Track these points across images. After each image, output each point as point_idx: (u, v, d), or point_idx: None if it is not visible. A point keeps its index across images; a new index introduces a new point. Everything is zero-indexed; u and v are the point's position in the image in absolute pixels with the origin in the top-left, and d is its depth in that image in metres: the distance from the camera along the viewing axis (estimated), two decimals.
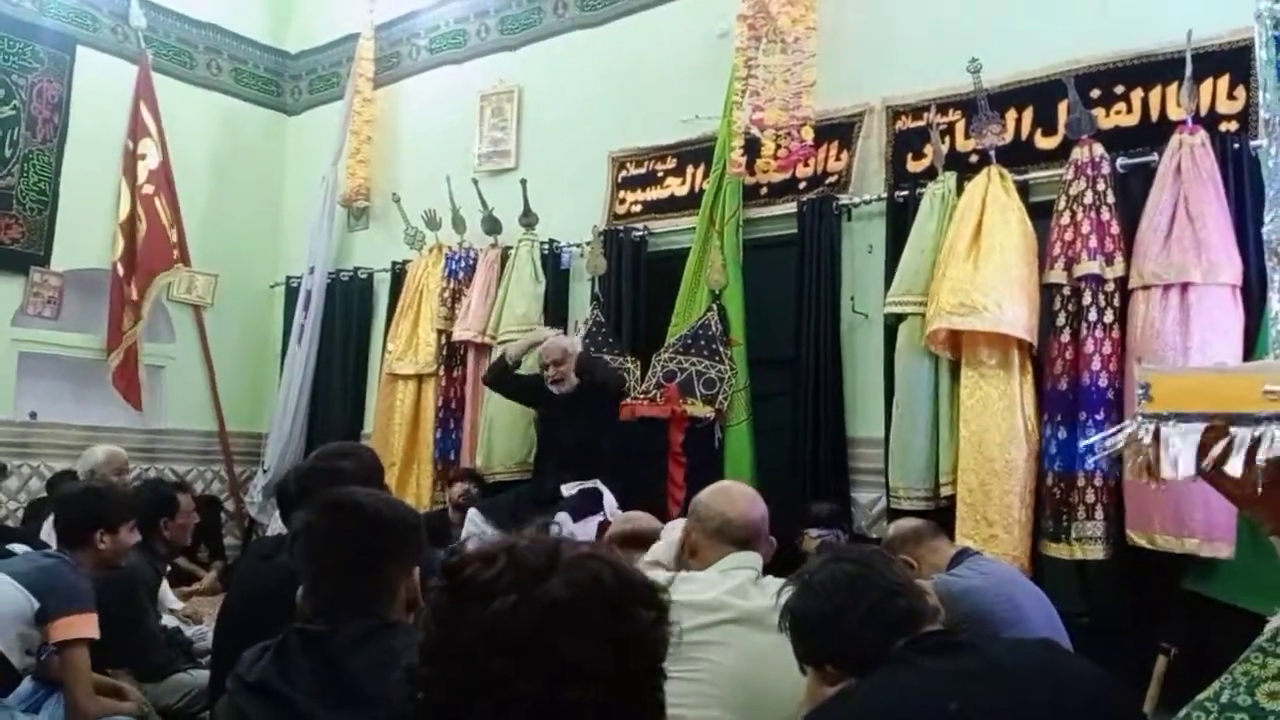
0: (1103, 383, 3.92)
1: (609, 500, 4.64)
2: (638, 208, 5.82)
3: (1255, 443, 1.62)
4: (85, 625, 2.85)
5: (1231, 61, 3.90)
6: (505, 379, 5.27)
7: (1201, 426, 1.69)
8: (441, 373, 6.26)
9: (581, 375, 4.92)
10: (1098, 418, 3.89)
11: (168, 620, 4.26)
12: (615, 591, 1.02)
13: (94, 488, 3.54)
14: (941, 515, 4.07)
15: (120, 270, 6.76)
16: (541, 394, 5.07)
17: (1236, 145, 3.84)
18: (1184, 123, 3.94)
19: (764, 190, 5.26)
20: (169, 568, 4.48)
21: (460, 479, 5.66)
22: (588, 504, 4.59)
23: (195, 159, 7.27)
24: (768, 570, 2.37)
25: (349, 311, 7.17)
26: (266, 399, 7.54)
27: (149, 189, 6.84)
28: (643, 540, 2.93)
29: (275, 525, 5.59)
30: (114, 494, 3.41)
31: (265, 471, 7.06)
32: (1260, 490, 1.58)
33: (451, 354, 6.25)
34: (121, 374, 6.74)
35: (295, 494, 2.58)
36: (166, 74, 7.18)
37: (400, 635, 1.70)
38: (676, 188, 5.67)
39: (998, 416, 4.09)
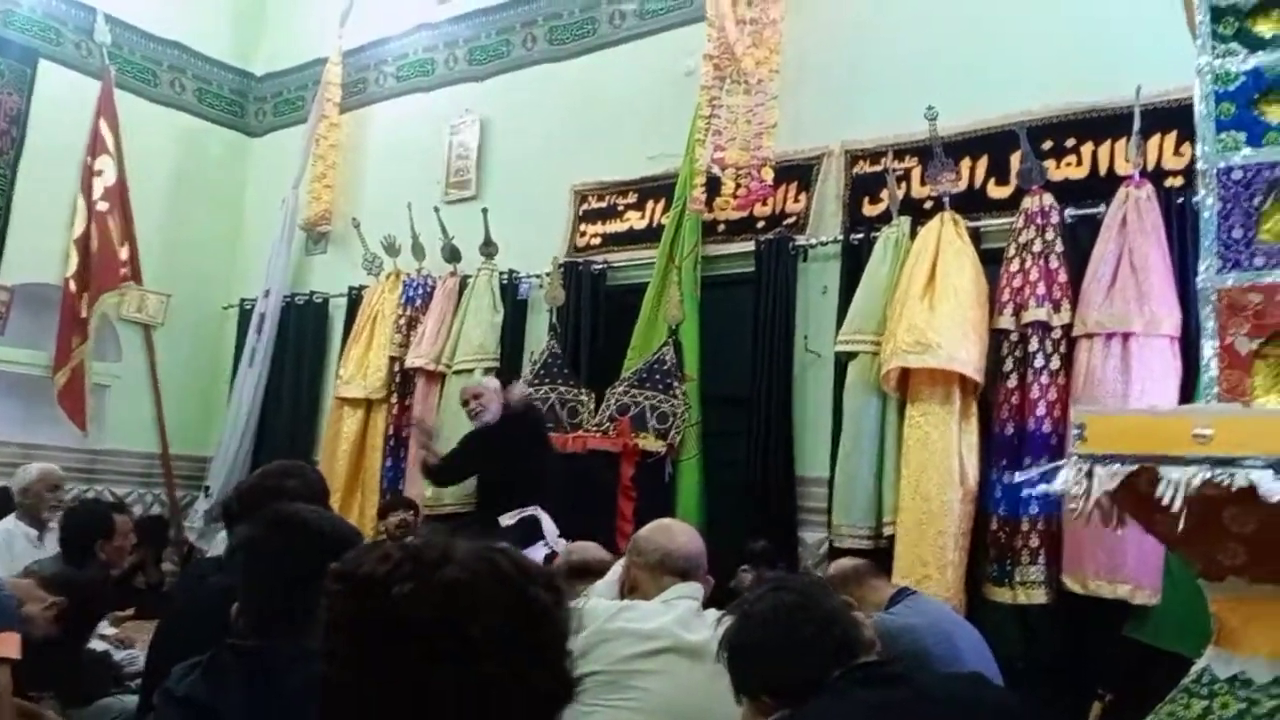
0: (1047, 428, 3.97)
1: (548, 526, 4.59)
2: (597, 240, 5.85)
3: (1182, 485, 1.65)
4: (7, 645, 2.76)
5: (1179, 118, 3.93)
6: (448, 468, 5.10)
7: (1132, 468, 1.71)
8: (393, 400, 6.20)
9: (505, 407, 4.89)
10: (1042, 463, 3.94)
11: (97, 644, 4.14)
12: (512, 573, 1.03)
13: None
14: (881, 555, 4.10)
15: (73, 287, 6.66)
16: (476, 442, 4.97)
17: (1181, 200, 3.93)
18: (1131, 177, 4.04)
19: (722, 228, 5.31)
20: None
21: (395, 508, 5.49)
22: (528, 534, 4.53)
23: (155, 177, 7.20)
24: (705, 608, 2.37)
25: (303, 336, 7.09)
26: (214, 422, 7.41)
27: (103, 206, 6.76)
28: (592, 571, 2.92)
29: (215, 549, 5.49)
30: None
31: (208, 495, 6.91)
32: (1184, 531, 1.61)
33: (404, 381, 6.19)
34: (67, 393, 6.61)
35: (237, 511, 2.56)
36: (129, 90, 7.12)
37: None
38: (635, 221, 5.70)
39: (935, 457, 4.13)
